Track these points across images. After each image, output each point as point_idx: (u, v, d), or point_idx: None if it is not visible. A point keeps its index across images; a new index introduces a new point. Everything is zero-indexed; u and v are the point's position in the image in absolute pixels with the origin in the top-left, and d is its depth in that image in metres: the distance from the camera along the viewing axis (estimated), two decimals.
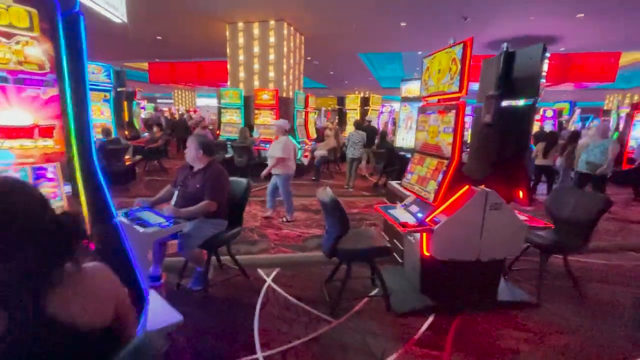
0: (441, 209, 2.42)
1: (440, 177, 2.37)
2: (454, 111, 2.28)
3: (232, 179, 2.90)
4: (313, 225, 4.47)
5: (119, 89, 6.76)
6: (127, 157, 6.75)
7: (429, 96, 2.67)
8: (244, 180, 2.88)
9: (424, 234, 2.40)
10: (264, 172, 4.48)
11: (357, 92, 14.78)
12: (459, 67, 2.19)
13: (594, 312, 2.60)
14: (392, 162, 6.61)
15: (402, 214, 2.63)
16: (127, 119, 10.16)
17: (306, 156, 8.09)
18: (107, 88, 6.18)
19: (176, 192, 2.56)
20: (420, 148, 2.76)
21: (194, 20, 7.74)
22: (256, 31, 7.83)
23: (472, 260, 2.46)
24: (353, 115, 11.95)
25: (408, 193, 2.89)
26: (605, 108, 17.34)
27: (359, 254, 2.45)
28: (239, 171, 7.09)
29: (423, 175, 2.60)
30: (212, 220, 2.52)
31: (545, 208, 3.04)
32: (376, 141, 8.04)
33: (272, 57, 7.84)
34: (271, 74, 7.94)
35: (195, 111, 21.96)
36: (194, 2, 6.60)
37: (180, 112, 20.15)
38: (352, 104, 12.03)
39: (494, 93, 2.51)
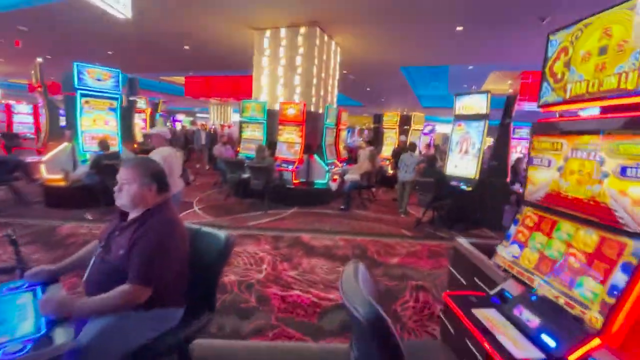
0: (597, 341, 1.10)
1: (617, 274, 1.06)
2: None
3: (204, 229, 1.78)
4: (336, 283, 3.21)
5: (130, 98, 6.10)
6: None
7: (569, 102, 1.39)
8: (220, 234, 1.72)
9: None
10: None
11: (395, 110, 13.50)
12: None
13: None
14: (442, 194, 5.23)
15: (502, 327, 1.33)
16: (148, 131, 9.74)
17: (335, 180, 6.91)
18: (115, 96, 5.50)
19: (92, 260, 1.46)
20: (544, 199, 1.45)
21: (219, 25, 7.05)
22: (284, 37, 6.95)
23: None
24: (390, 135, 10.68)
25: (506, 273, 1.58)
26: None
27: None
28: (255, 195, 6.09)
29: (556, 258, 1.29)
30: (145, 315, 1.38)
31: None
32: (413, 166, 6.67)
33: (300, 67, 6.89)
34: (299, 88, 6.97)
35: (230, 126, 21.84)
36: (218, 4, 5.87)
37: (208, 127, 20.06)
38: (390, 122, 10.77)
39: None
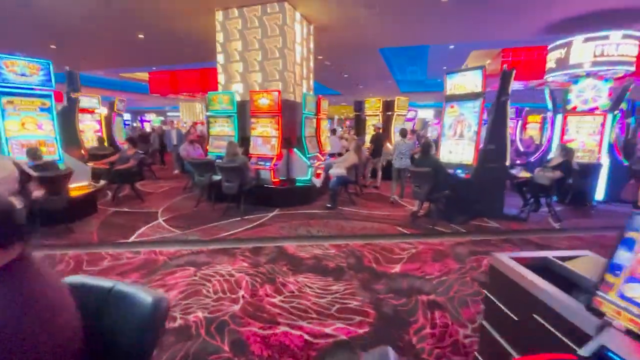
0: None
1: None
2: None
3: (119, 289, 1.07)
4: (332, 309, 2.58)
5: (72, 95, 5.13)
6: (82, 184, 5.09)
7: None
8: (145, 297, 1.02)
9: None
10: None
11: (374, 97, 12.92)
12: None
13: None
14: (440, 184, 4.68)
15: None
16: (104, 134, 8.66)
17: (318, 175, 6.26)
18: (47, 93, 4.54)
19: None
20: None
21: (177, 6, 6.11)
22: (252, 16, 6.12)
23: None
24: (374, 122, 10.10)
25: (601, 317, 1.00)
26: None
27: None
28: (230, 198, 5.33)
29: None
30: None
31: None
32: (409, 152, 6.18)
33: (275, 50, 6.09)
34: (272, 74, 6.18)
35: (202, 123, 20.60)
36: None
37: (180, 125, 18.79)
38: (372, 109, 10.18)
39: None
